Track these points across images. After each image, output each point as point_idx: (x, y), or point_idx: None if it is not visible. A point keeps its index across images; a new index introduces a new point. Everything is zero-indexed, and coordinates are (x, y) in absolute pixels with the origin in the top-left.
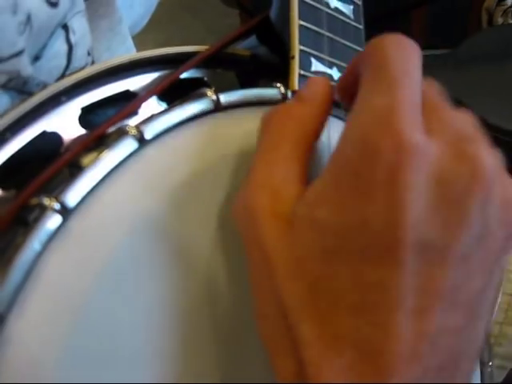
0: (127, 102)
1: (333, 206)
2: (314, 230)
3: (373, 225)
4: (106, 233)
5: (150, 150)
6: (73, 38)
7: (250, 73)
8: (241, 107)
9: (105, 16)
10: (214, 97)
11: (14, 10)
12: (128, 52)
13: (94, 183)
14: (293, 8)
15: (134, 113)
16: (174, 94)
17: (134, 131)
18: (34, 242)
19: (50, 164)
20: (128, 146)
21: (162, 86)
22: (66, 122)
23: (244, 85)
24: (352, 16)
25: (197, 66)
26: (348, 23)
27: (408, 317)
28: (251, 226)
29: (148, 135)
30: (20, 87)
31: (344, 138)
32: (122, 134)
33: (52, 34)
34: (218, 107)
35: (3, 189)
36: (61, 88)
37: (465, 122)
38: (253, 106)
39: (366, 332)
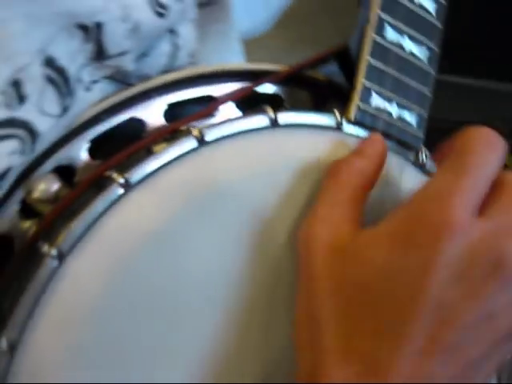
0: (207, 104)
1: (381, 250)
2: (359, 265)
3: (406, 275)
4: (161, 203)
5: (206, 151)
6: (178, 42)
7: (325, 96)
8: (298, 127)
9: (218, 20)
10: (272, 115)
11: (124, 20)
12: (236, 56)
13: (155, 167)
14: (365, 43)
15: (211, 115)
16: (251, 105)
17: (196, 132)
18: (99, 205)
19: (131, 145)
20: (189, 144)
21: (237, 95)
22: (152, 113)
23: (316, 106)
24: (426, 61)
25: (275, 83)
26: (419, 67)
27: (412, 355)
28: (308, 251)
29: (208, 138)
30: (122, 79)
31: (410, 200)
32: (187, 133)
33: (159, 36)
34: (274, 124)
35: (92, 158)
36: (154, 85)
37: None
38: (309, 128)
39: (377, 354)
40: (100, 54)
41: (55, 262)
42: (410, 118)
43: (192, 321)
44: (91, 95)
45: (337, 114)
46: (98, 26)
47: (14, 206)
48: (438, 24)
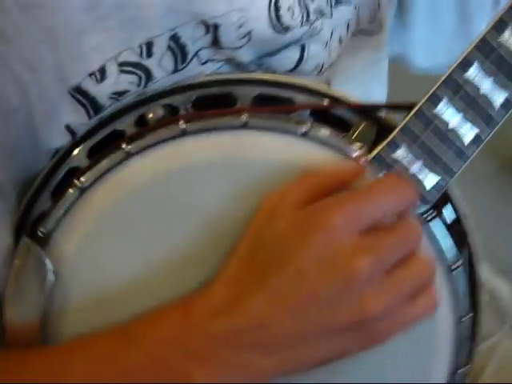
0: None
1: (286, 224)
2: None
3: (290, 247)
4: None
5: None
6: (305, 54)
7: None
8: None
9: (370, 49)
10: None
11: (239, 26)
12: (379, 83)
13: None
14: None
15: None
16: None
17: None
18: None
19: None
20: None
21: (310, 106)
22: (246, 94)
23: (377, 142)
24: (467, 142)
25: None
26: (458, 146)
27: (263, 303)
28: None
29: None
30: (237, 64)
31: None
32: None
33: (286, 46)
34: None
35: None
36: (255, 77)
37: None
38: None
39: (244, 289)
40: (215, 45)
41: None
42: (427, 180)
43: (171, 230)
44: (204, 68)
45: (361, 149)
46: (216, 26)
47: (132, 117)
48: (498, 118)
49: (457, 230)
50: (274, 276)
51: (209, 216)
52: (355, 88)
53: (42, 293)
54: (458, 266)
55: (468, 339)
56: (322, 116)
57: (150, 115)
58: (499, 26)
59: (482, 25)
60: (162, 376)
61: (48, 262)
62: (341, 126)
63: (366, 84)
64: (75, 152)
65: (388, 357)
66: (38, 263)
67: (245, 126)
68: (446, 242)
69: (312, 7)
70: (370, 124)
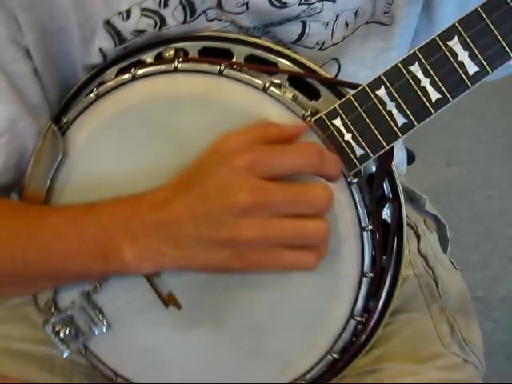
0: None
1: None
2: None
3: (216, 170)
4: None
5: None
6: (306, 31)
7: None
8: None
9: (380, 37)
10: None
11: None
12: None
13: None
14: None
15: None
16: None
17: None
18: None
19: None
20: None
21: (287, 72)
22: (240, 54)
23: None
24: (399, 124)
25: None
26: (386, 124)
27: (185, 208)
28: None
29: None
30: (239, 27)
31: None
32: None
33: (291, 19)
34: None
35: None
36: (252, 40)
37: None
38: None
39: (178, 191)
40: (219, 7)
41: (103, 92)
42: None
43: (153, 142)
44: (211, 24)
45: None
46: None
47: (153, 53)
48: (433, 110)
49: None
50: (192, 192)
51: (182, 136)
52: (362, 70)
53: (52, 166)
54: (368, 229)
55: (369, 295)
56: (299, 83)
57: (166, 53)
58: (447, 34)
59: None
60: (103, 244)
61: (61, 142)
62: (313, 94)
63: (372, 68)
64: (109, 71)
65: (292, 296)
66: (54, 142)
67: (220, 73)
68: (361, 205)
69: None
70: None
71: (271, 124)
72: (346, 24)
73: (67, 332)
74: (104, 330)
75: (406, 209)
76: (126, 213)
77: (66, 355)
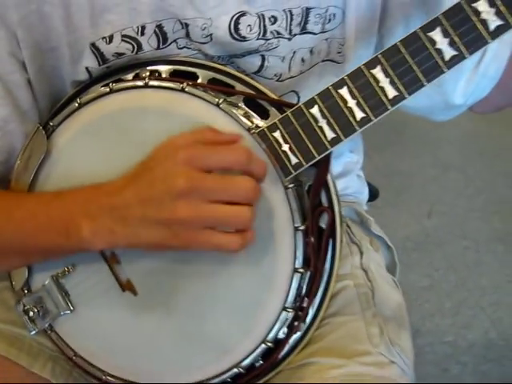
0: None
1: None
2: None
3: (159, 165)
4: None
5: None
6: (265, 64)
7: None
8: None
9: (334, 74)
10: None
11: (203, 29)
12: None
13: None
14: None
15: (227, 93)
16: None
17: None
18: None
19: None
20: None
21: (243, 93)
22: (202, 76)
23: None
24: (328, 138)
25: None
26: (316, 137)
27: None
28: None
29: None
30: (205, 55)
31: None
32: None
33: (251, 52)
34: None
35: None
36: (215, 66)
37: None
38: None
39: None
40: (188, 37)
41: (84, 102)
42: (292, 158)
43: (121, 145)
44: (181, 51)
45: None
46: (187, 25)
47: (132, 72)
48: (357, 127)
49: (312, 202)
50: (141, 181)
51: (145, 141)
52: None
53: (36, 163)
54: (301, 229)
55: (302, 290)
56: (253, 103)
57: (142, 74)
58: (371, 63)
59: (457, 85)
60: (66, 223)
61: (45, 143)
62: (264, 113)
63: None
64: (93, 87)
65: (231, 286)
66: (40, 142)
67: (182, 90)
68: (296, 208)
69: (270, 28)
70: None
71: (211, 129)
72: (303, 60)
73: (36, 311)
74: (68, 312)
75: (354, 229)
76: (86, 197)
77: (33, 333)
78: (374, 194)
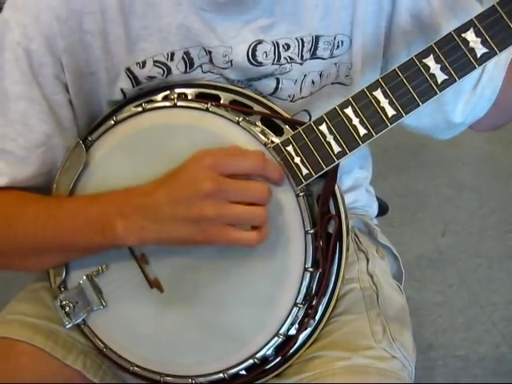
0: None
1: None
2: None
3: (186, 178)
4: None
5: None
6: (279, 86)
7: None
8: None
9: (342, 96)
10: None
11: (224, 55)
12: None
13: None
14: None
15: (245, 113)
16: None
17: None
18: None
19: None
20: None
21: (260, 113)
22: (224, 97)
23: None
24: (335, 152)
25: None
26: (325, 151)
27: (170, 201)
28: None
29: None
30: (226, 79)
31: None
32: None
33: (265, 76)
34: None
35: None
36: (236, 88)
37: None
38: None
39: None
40: (211, 63)
41: (119, 119)
42: (303, 169)
43: (152, 158)
44: (205, 75)
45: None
46: (210, 52)
47: (161, 94)
48: (361, 142)
49: (321, 209)
50: (171, 183)
51: (174, 154)
52: None
53: (75, 174)
54: (311, 233)
55: (311, 290)
56: (269, 122)
57: (171, 96)
58: (372, 86)
59: (457, 105)
60: (102, 221)
61: (84, 155)
62: (279, 130)
63: None
64: (127, 107)
65: (249, 283)
66: (79, 155)
67: (207, 110)
68: (306, 214)
69: (284, 55)
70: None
71: (233, 148)
72: (313, 82)
73: (71, 307)
74: (101, 308)
75: (361, 238)
76: (120, 198)
77: (68, 326)
78: (383, 209)
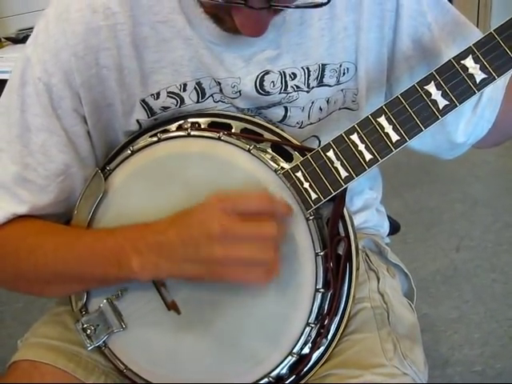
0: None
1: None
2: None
3: (197, 224)
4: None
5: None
6: (288, 114)
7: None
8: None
9: (350, 120)
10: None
11: (232, 86)
12: None
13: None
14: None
15: (257, 141)
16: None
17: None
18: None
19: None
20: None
21: (269, 140)
22: (235, 126)
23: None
24: (342, 176)
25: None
26: (333, 176)
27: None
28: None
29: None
30: (236, 108)
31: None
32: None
33: (275, 104)
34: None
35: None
36: (246, 117)
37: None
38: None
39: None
40: (221, 92)
41: (136, 149)
42: (312, 193)
43: (168, 188)
44: (216, 105)
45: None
46: (220, 83)
47: (176, 124)
48: (367, 167)
49: (331, 231)
50: (182, 223)
51: (188, 182)
52: None
53: (95, 202)
54: (321, 255)
55: (323, 310)
56: (279, 149)
57: (185, 125)
58: (376, 113)
59: (458, 126)
60: (119, 256)
61: (103, 184)
62: (288, 156)
63: None
64: (143, 136)
65: (264, 304)
66: (98, 184)
67: (219, 139)
68: (316, 236)
69: (290, 83)
70: (301, 157)
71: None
72: (320, 109)
73: (93, 329)
74: (121, 329)
75: (372, 258)
76: (136, 235)
77: (89, 348)
78: (395, 228)
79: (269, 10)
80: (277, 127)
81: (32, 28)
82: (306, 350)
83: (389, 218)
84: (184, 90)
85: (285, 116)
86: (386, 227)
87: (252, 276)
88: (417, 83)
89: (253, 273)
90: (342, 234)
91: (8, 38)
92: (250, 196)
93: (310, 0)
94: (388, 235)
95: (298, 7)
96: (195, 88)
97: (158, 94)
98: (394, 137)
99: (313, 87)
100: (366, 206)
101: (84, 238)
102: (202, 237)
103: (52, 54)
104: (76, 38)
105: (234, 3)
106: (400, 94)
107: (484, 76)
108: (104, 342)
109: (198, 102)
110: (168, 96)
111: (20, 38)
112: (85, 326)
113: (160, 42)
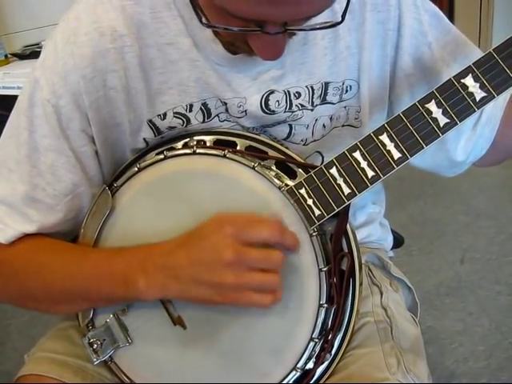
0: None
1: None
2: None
3: (208, 245)
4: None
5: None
6: (292, 131)
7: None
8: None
9: (353, 138)
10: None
11: (239, 106)
12: None
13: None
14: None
15: (260, 158)
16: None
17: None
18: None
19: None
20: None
21: (274, 158)
22: (241, 143)
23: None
24: (345, 193)
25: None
26: (335, 192)
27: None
28: (214, 220)
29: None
30: (242, 126)
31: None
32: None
33: (280, 122)
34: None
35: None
36: (251, 135)
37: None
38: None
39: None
40: (227, 112)
41: (143, 167)
42: (315, 210)
43: (174, 206)
44: (222, 124)
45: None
46: (226, 103)
47: (181, 142)
48: (369, 183)
49: (334, 247)
50: (192, 246)
51: (191, 198)
52: None
53: (102, 219)
54: (324, 270)
55: (326, 325)
56: (283, 166)
57: (190, 143)
58: (378, 131)
59: (458, 144)
60: (126, 276)
61: (110, 201)
62: (292, 173)
63: None
64: (149, 154)
65: (268, 320)
66: (106, 200)
67: (224, 156)
68: (319, 252)
69: (295, 102)
70: (305, 174)
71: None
72: (324, 126)
73: (99, 344)
74: (127, 344)
75: (375, 272)
76: (143, 255)
77: (96, 362)
78: (399, 242)
79: (284, 34)
80: (281, 145)
81: (38, 44)
82: (310, 365)
83: (393, 232)
84: (190, 111)
85: (289, 134)
86: (389, 241)
87: (259, 300)
88: (418, 101)
89: (260, 297)
90: (346, 249)
91: (14, 54)
92: (262, 224)
93: (321, 20)
94: (392, 249)
95: (313, 29)
96: (201, 108)
97: (165, 114)
98: (396, 154)
99: (316, 105)
100: (369, 221)
101: (91, 257)
102: (215, 262)
103: (61, 76)
104: (84, 61)
105: (251, 31)
106: (401, 112)
107: (484, 94)
108: (110, 356)
109: (203, 121)
110: (174, 116)
111: (26, 54)
112: (91, 340)
113: (166, 64)
